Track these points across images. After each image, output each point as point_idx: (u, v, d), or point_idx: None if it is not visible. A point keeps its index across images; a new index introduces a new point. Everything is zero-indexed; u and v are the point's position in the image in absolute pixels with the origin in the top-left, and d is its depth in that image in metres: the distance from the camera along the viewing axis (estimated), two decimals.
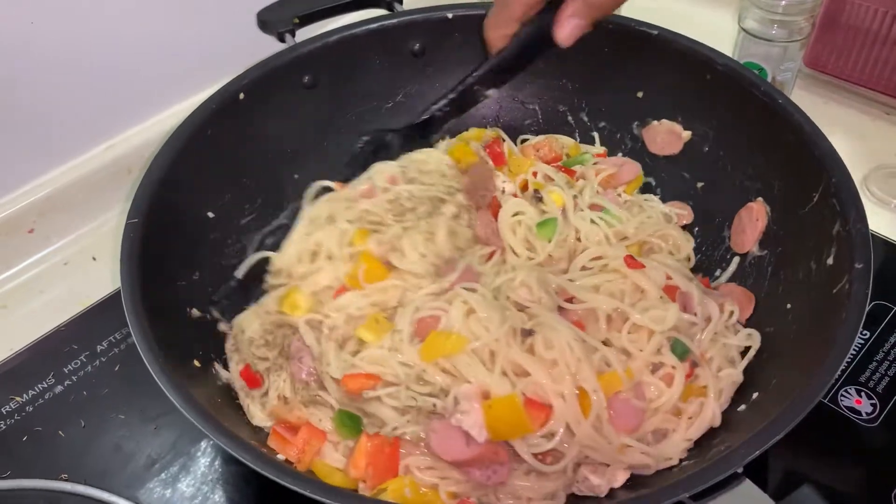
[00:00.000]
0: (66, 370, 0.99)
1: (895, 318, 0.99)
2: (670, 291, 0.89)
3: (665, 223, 1.03)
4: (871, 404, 0.91)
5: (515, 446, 0.77)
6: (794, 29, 1.16)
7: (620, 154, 1.15)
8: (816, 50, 1.29)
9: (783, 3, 1.13)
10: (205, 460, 0.91)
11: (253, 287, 0.97)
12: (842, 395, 0.92)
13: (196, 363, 0.87)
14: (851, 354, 0.95)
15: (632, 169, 1.10)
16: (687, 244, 1.02)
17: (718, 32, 1.33)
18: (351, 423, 0.83)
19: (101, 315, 1.05)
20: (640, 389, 0.82)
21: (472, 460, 0.76)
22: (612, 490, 0.79)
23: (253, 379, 0.88)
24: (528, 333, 0.83)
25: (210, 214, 1.01)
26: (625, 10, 1.42)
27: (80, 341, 1.03)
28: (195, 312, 0.93)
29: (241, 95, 1.02)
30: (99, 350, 1.01)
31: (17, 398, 0.97)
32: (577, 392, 0.78)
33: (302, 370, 0.88)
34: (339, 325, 0.88)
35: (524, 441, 0.77)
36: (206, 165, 0.99)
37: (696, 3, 1.51)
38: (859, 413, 0.91)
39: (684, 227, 1.07)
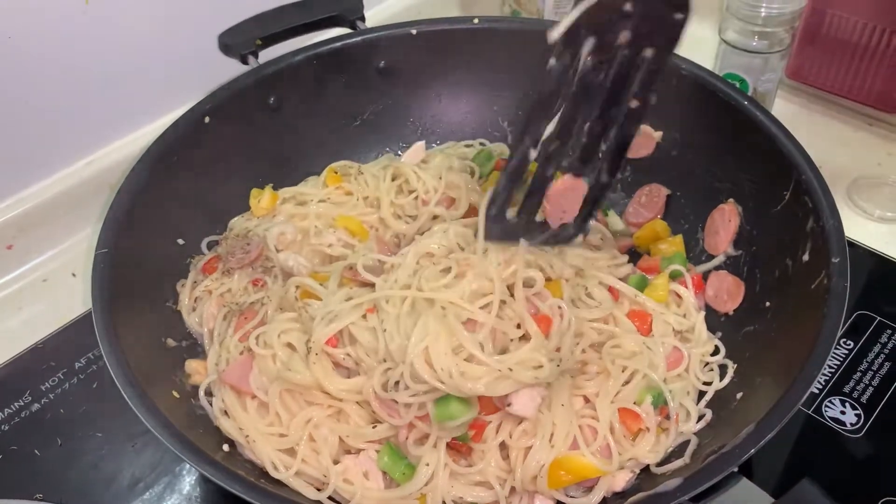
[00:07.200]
0: (43, 388, 0.98)
1: (878, 327, 0.99)
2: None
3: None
4: (856, 415, 0.91)
5: None
6: (774, 40, 1.16)
7: None
8: (798, 61, 1.30)
9: (763, 14, 1.13)
10: (190, 479, 0.89)
11: None
12: (826, 406, 0.92)
13: (175, 394, 0.85)
14: (835, 365, 0.95)
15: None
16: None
17: (699, 44, 1.33)
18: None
19: (80, 332, 1.04)
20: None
21: None
22: (606, 498, 0.79)
23: (210, 267, 0.99)
24: None
25: (180, 241, 1.00)
26: None
27: (58, 358, 1.01)
28: (170, 342, 0.92)
29: (207, 119, 1.01)
30: (77, 367, 1.00)
31: None
32: None
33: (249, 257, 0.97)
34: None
35: None
36: (173, 192, 0.98)
37: None
38: (844, 424, 0.90)
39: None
